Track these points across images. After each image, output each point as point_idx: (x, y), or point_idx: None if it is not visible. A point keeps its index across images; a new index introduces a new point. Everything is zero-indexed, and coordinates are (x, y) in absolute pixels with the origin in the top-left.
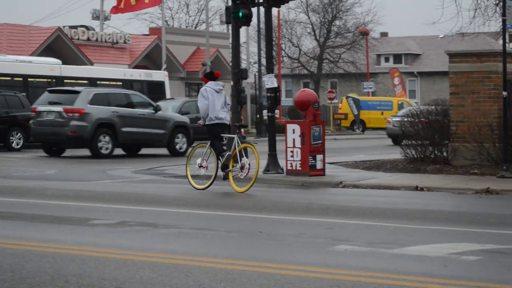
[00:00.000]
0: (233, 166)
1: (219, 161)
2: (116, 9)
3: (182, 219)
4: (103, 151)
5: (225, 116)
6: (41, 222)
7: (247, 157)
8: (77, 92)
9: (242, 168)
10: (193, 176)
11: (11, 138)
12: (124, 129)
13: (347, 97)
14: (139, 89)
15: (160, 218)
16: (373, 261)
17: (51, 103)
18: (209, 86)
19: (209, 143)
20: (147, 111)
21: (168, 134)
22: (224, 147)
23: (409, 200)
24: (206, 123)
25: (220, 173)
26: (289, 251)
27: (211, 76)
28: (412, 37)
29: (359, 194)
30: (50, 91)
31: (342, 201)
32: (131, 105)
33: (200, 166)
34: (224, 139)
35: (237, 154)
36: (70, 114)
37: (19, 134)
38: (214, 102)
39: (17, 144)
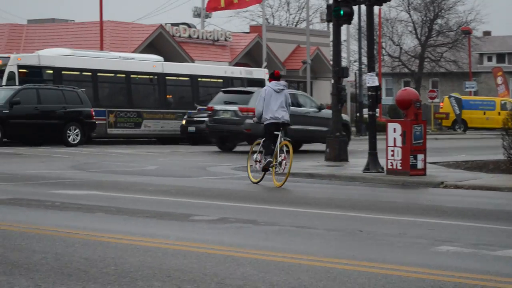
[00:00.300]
0: (275, 162)
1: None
2: (214, 8)
3: (282, 217)
4: None
5: (283, 116)
6: (142, 217)
7: (285, 154)
8: (251, 93)
9: (280, 164)
10: (253, 171)
11: (68, 133)
12: (292, 127)
13: (449, 97)
14: (239, 86)
15: (260, 215)
16: (475, 263)
17: (226, 102)
18: (270, 86)
19: (262, 140)
20: (312, 109)
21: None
22: (271, 152)
23: None
24: (263, 122)
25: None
26: (390, 251)
27: (273, 76)
28: None
29: (460, 195)
30: (225, 91)
31: (444, 201)
32: (298, 104)
33: (256, 161)
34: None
35: (278, 150)
36: (245, 113)
37: (76, 129)
38: (270, 102)
39: (74, 140)
